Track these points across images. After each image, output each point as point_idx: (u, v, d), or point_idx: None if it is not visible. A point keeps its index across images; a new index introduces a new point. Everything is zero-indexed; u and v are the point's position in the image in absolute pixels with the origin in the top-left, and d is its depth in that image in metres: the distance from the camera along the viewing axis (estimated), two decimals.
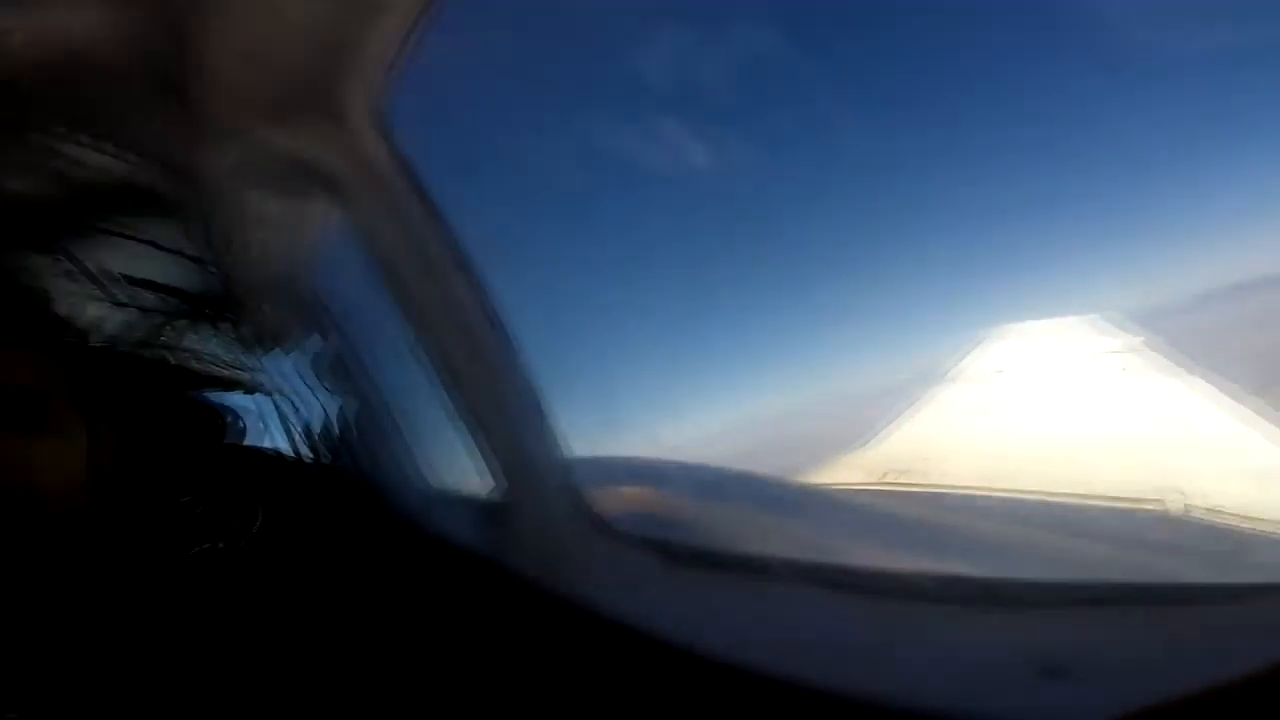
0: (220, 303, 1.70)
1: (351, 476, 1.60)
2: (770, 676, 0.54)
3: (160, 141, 1.13)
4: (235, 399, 1.99)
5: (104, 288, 1.45)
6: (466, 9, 0.75)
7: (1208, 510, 0.65)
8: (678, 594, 0.73)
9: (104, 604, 0.67)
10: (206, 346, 1.96)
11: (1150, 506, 0.70)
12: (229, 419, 1.68)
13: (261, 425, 1.89)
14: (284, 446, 1.84)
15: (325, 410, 1.84)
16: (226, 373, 1.97)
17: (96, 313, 1.49)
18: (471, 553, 0.98)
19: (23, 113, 0.99)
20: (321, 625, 0.69)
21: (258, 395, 1.99)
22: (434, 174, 0.93)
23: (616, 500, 1.03)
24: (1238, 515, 0.62)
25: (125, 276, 1.47)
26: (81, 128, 1.10)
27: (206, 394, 1.98)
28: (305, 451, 1.84)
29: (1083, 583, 0.56)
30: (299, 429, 1.95)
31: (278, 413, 2.11)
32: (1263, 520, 0.60)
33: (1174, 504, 0.67)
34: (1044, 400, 1.08)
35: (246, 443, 1.67)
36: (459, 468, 1.18)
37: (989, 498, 0.99)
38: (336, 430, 1.75)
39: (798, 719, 0.51)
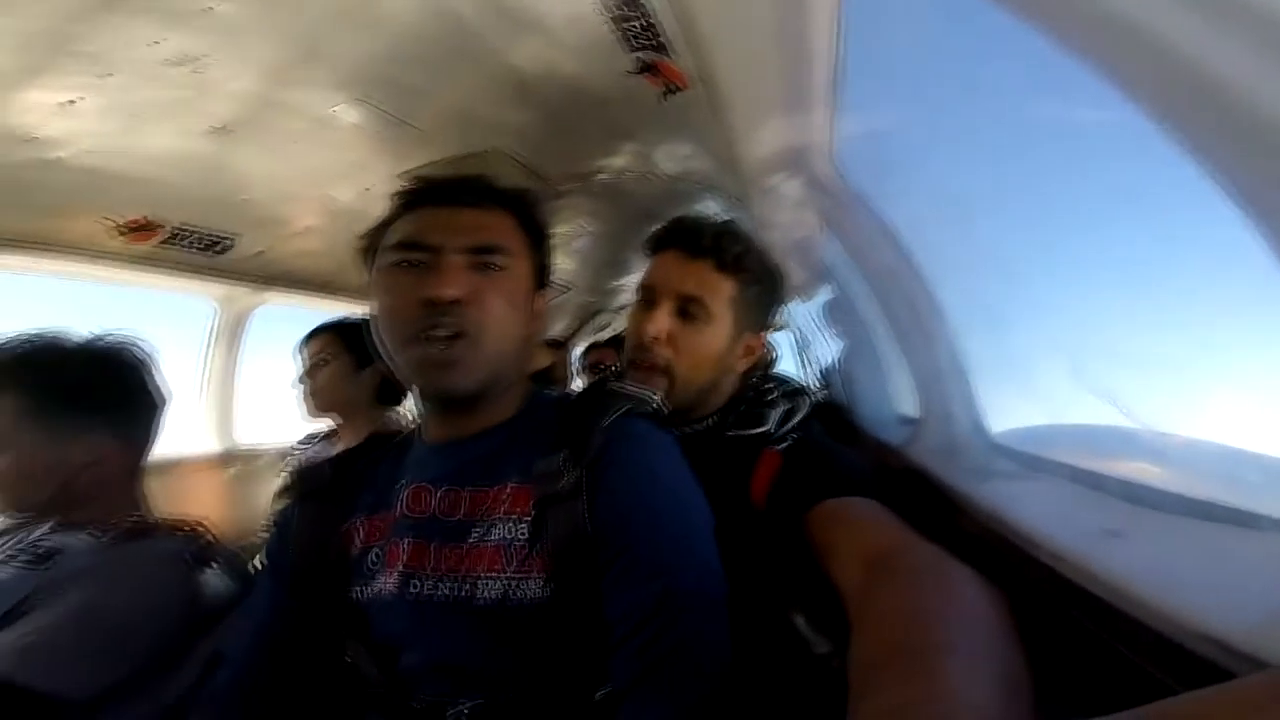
0: None
1: (836, 397, 2.02)
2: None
3: (714, 147, 1.75)
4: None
5: None
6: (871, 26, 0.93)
7: None
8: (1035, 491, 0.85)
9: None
10: None
11: None
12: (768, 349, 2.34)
13: (784, 355, 2.52)
14: (796, 373, 2.41)
15: (828, 347, 2.32)
16: None
17: None
18: (901, 454, 1.25)
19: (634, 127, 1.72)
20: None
21: (783, 332, 2.64)
22: (879, 169, 1.18)
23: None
24: None
25: None
26: (673, 138, 1.83)
27: None
28: (811, 377, 2.37)
29: None
30: (810, 360, 2.51)
31: (796, 346, 2.74)
32: None
33: None
34: None
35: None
36: (903, 395, 1.46)
37: None
38: (833, 363, 2.20)
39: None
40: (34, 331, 0.95)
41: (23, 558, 0.86)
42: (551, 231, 0.83)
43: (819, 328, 2.32)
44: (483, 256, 0.71)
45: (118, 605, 0.79)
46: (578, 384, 2.69)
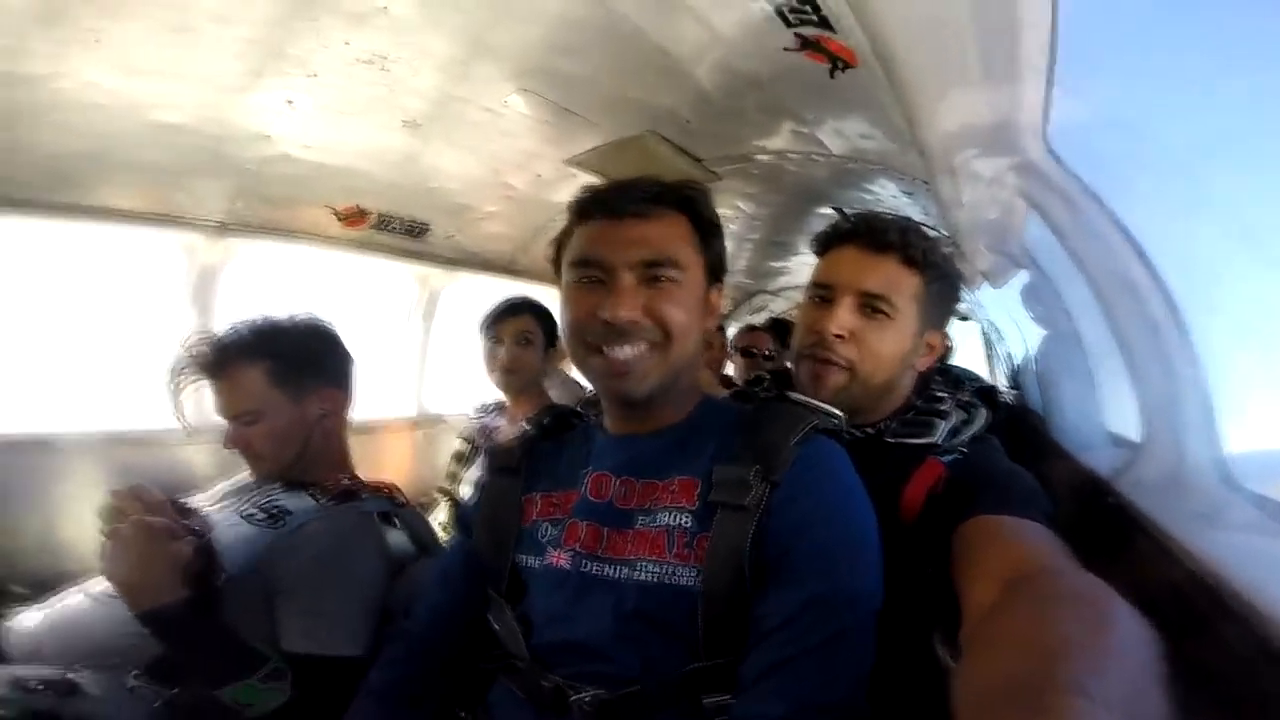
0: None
1: (1026, 400, 1.74)
2: None
3: (892, 124, 1.57)
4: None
5: None
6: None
7: None
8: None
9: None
10: None
11: None
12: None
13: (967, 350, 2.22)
14: (983, 370, 2.12)
15: (1023, 341, 2.00)
16: None
17: None
18: (1107, 483, 1.03)
19: (796, 106, 1.58)
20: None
21: (967, 323, 2.33)
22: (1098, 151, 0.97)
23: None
24: None
25: None
26: (841, 116, 1.67)
27: None
28: (1001, 374, 2.07)
29: None
30: (1000, 355, 2.19)
31: (984, 339, 2.40)
32: None
33: None
34: None
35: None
36: (1116, 410, 1.20)
37: None
38: (1026, 359, 1.90)
39: None
40: (248, 317, 1.11)
41: (259, 516, 1.02)
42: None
43: (1013, 317, 2.01)
44: (655, 270, 0.74)
45: (350, 568, 0.94)
46: (730, 368, 2.61)
